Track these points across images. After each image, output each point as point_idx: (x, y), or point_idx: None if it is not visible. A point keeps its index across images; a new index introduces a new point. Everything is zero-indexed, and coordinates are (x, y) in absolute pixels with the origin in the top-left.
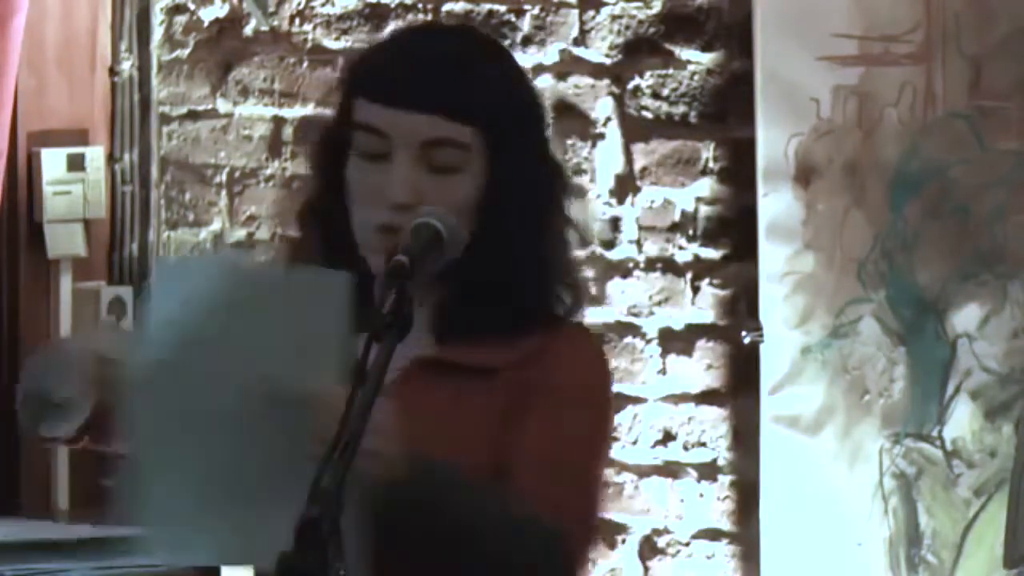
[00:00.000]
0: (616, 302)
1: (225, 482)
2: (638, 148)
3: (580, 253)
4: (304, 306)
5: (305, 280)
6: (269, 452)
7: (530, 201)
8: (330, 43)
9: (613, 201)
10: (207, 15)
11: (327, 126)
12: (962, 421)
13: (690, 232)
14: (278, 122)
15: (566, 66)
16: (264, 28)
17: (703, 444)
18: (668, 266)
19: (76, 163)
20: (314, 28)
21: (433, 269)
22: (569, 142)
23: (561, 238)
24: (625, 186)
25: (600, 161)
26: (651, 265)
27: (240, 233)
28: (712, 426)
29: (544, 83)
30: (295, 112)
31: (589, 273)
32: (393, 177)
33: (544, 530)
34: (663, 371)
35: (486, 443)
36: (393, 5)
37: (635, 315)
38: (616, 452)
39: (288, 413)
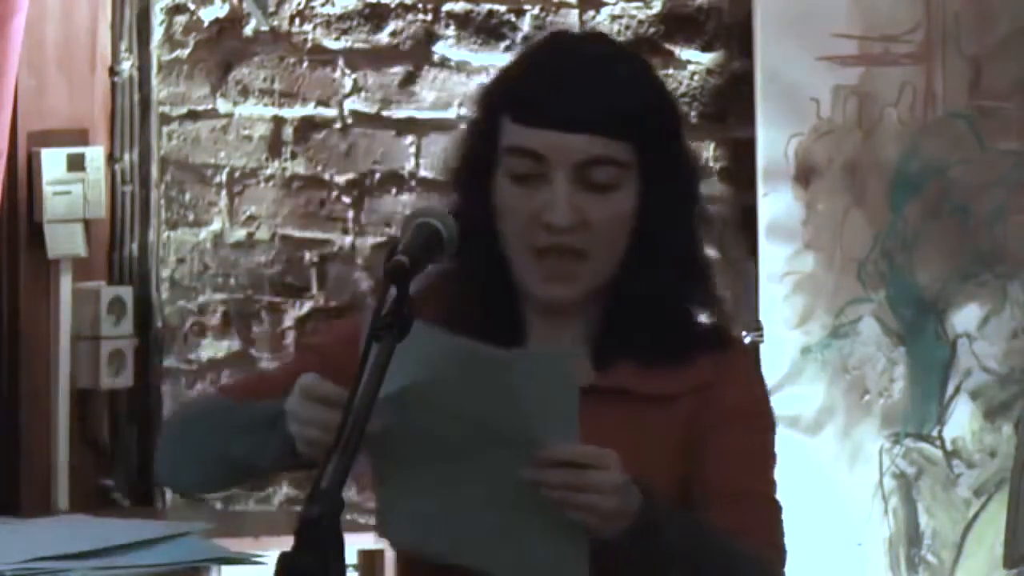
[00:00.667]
0: None
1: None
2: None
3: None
4: (534, 389)
5: (530, 362)
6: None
7: (680, 210)
8: (330, 43)
9: None
10: (207, 15)
11: (471, 149)
12: (962, 421)
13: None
14: (278, 122)
15: None
16: (264, 28)
17: None
18: None
19: (76, 163)
20: (314, 28)
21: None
22: None
23: (703, 245)
24: None
25: None
26: None
27: (240, 233)
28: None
29: None
30: (295, 112)
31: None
32: (552, 199)
33: (756, 563)
34: None
35: (667, 471)
36: (393, 5)
37: None
38: None
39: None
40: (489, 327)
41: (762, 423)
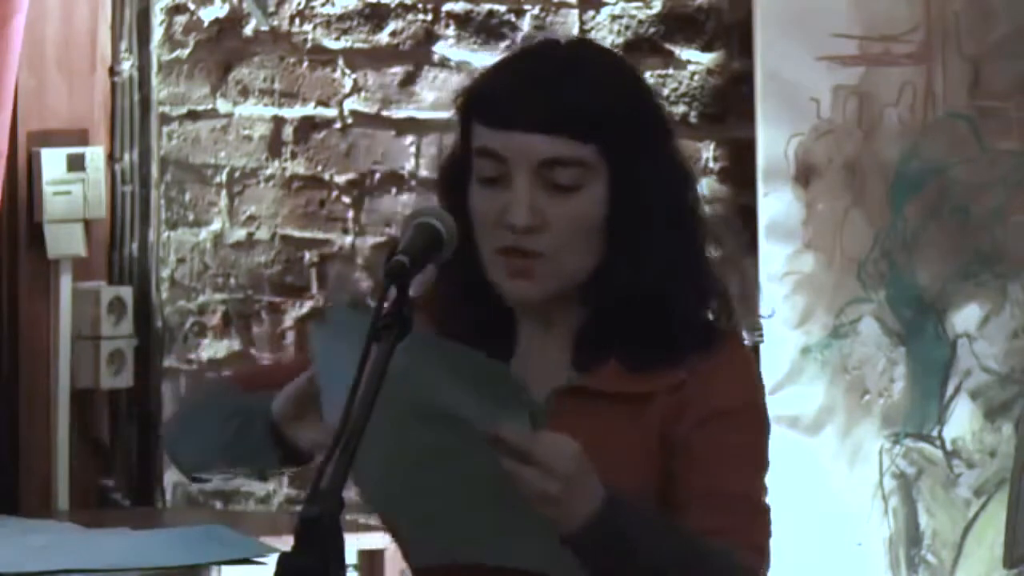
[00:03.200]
0: None
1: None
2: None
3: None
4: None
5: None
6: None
7: (658, 212)
8: (330, 43)
9: None
10: (207, 15)
11: (449, 155)
12: (962, 421)
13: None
14: (278, 122)
15: None
16: (264, 28)
17: None
18: None
19: (76, 163)
20: (314, 28)
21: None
22: None
23: (696, 246)
24: None
25: None
26: None
27: (240, 233)
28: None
29: None
30: (295, 112)
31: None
32: (512, 200)
33: (730, 563)
34: None
35: (644, 471)
36: (393, 5)
37: None
38: None
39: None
40: (477, 330)
41: (749, 424)
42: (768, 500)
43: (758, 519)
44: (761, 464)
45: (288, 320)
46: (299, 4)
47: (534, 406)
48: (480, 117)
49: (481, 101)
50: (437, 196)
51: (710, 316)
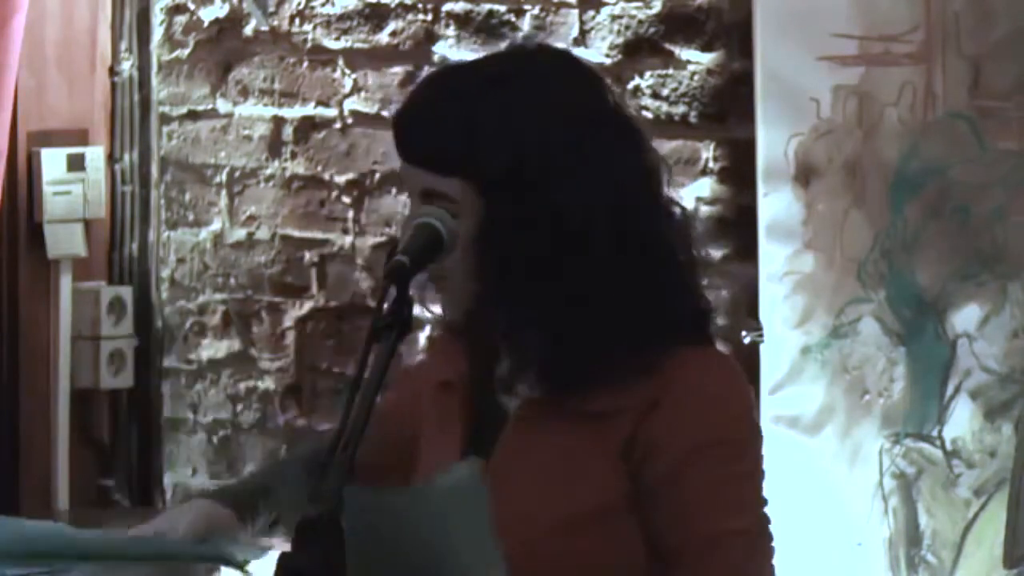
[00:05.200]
0: None
1: None
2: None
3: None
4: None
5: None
6: None
7: (542, 240)
8: (330, 43)
9: None
10: (207, 15)
11: None
12: (962, 421)
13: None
14: (278, 122)
15: None
16: (264, 28)
17: None
18: None
19: (76, 163)
20: (314, 28)
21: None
22: None
23: (631, 264)
24: None
25: None
26: None
27: (240, 233)
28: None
29: None
30: (295, 112)
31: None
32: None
33: None
34: None
35: (601, 489)
36: (393, 5)
37: None
38: None
39: None
40: (463, 353)
41: (724, 448)
42: (769, 526)
43: (749, 549)
44: (752, 487)
45: (288, 320)
46: (299, 4)
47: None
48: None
49: (392, 122)
50: None
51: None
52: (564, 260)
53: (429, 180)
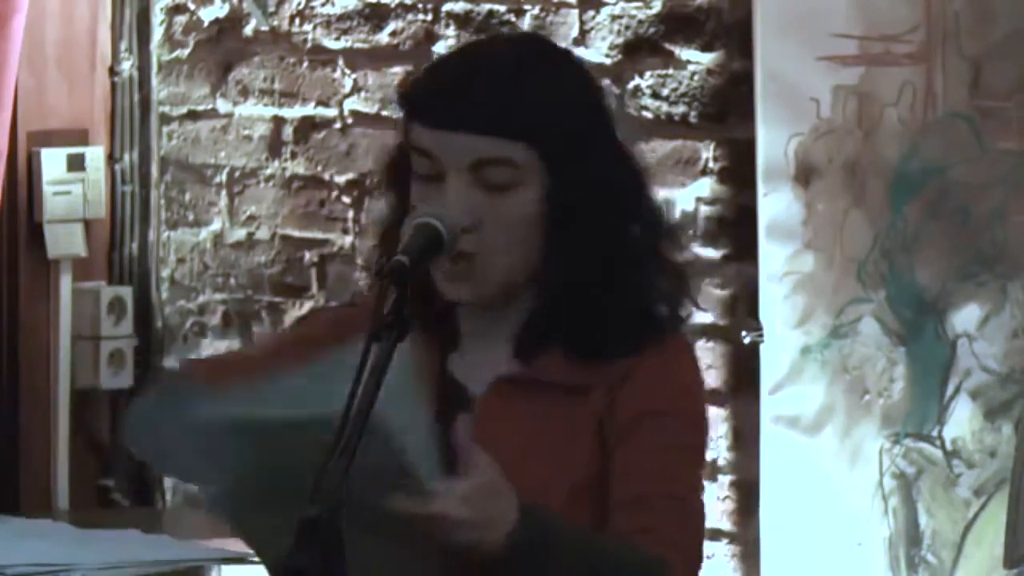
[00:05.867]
0: None
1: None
2: (638, 148)
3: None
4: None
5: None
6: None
7: (598, 210)
8: (330, 43)
9: None
10: (207, 15)
11: (392, 150)
12: (962, 421)
13: (690, 232)
14: (278, 122)
15: None
16: (264, 28)
17: None
18: None
19: (76, 163)
20: (314, 28)
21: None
22: None
23: (641, 244)
24: None
25: None
26: None
27: (240, 233)
28: (712, 426)
29: None
30: (295, 112)
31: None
32: (447, 199)
33: (648, 566)
34: None
35: (580, 464)
36: (393, 5)
37: None
38: None
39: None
40: (422, 328)
41: (673, 420)
42: (703, 498)
43: (683, 517)
44: (697, 460)
45: (288, 320)
46: (299, 4)
47: (414, 475)
48: (416, 114)
49: (417, 98)
50: (382, 192)
51: (660, 312)
52: (620, 227)
53: (489, 147)
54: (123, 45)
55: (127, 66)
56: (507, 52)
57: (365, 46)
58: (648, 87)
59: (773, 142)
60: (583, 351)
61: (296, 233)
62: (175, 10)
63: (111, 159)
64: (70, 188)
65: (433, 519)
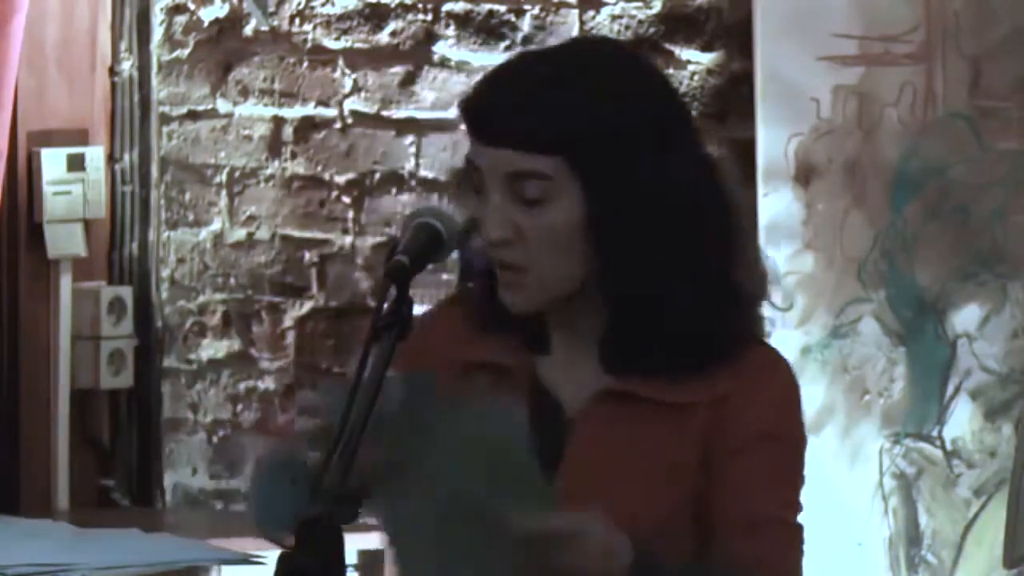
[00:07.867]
0: None
1: None
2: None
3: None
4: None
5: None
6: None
7: (641, 225)
8: (330, 43)
9: None
10: (207, 15)
11: (464, 161)
12: (962, 421)
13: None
14: (278, 122)
15: None
16: (264, 28)
17: None
18: None
19: (76, 163)
20: (314, 28)
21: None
22: None
23: (701, 254)
24: None
25: None
26: None
27: (240, 233)
28: None
29: None
30: (295, 112)
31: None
32: (487, 212)
33: None
34: None
35: (677, 481)
36: (393, 5)
37: None
38: None
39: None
40: (511, 336)
41: (785, 444)
42: (800, 518)
43: (790, 542)
44: (798, 482)
45: (288, 320)
46: (299, 4)
47: (545, 490)
48: (467, 128)
49: (465, 112)
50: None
51: (745, 323)
52: (670, 235)
53: (520, 161)
54: (123, 45)
55: (127, 66)
56: (548, 65)
57: (365, 46)
58: None
59: (773, 142)
60: (679, 364)
61: (296, 233)
62: (175, 10)
63: (111, 159)
64: (70, 188)
65: (553, 540)
